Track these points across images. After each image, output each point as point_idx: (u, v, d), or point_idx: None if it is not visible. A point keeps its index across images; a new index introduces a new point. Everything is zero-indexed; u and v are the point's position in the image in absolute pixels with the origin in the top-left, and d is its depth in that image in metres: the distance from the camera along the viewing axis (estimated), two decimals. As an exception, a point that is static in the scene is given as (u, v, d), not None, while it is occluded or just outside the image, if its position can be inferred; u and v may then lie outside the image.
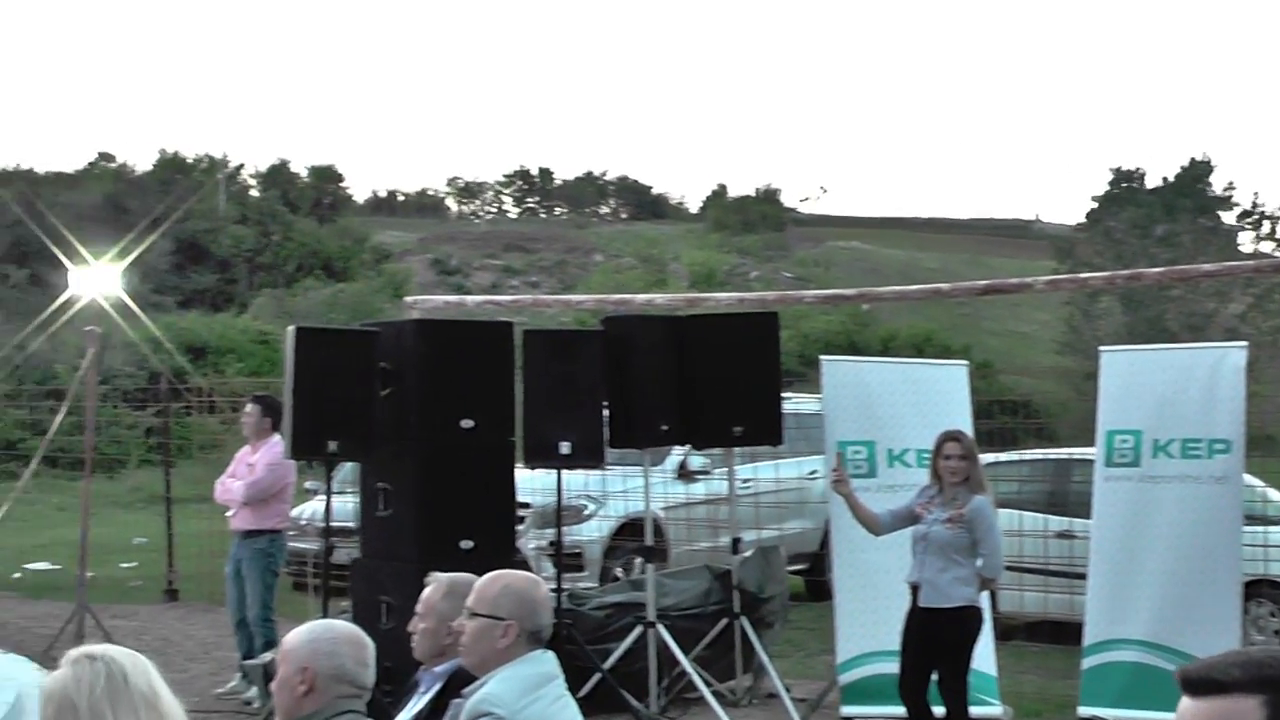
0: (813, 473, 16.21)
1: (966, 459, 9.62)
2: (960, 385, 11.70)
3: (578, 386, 10.61)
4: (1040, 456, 16.03)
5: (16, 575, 19.52)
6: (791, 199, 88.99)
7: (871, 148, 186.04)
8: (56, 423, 16.48)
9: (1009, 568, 12.14)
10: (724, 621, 11.59)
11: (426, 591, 5.77)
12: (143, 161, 74.26)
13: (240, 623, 12.49)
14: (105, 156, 73.40)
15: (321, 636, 4.75)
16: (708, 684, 11.23)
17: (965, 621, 9.62)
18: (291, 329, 10.34)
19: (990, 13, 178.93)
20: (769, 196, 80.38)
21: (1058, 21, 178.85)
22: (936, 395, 11.54)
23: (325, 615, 9.28)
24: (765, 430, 11.52)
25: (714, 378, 11.15)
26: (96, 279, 15.26)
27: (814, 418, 13.37)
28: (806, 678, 12.71)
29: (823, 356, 12.35)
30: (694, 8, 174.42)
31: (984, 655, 10.61)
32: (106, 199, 58.05)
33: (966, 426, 10.70)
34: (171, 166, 66.61)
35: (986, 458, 11.30)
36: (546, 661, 5.23)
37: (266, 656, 11.09)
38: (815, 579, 17.08)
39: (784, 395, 12.06)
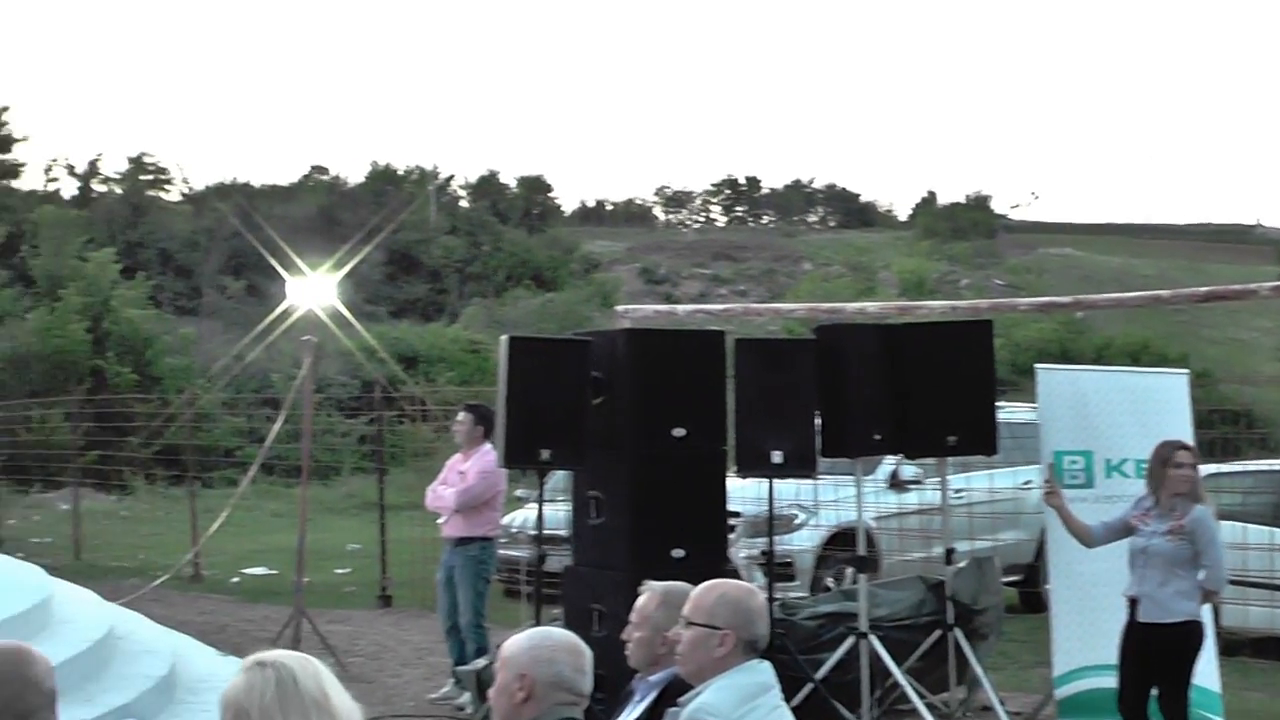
0: (1027, 483, 15.97)
1: (1196, 468, 9.43)
2: (1180, 394, 11.44)
3: (790, 395, 10.53)
4: (1266, 468, 15.65)
5: (235, 579, 19.87)
6: (1002, 205, 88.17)
7: (1084, 153, 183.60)
8: (274, 431, 16.76)
9: (1233, 582, 11.85)
10: (937, 633, 11.43)
11: (641, 600, 5.75)
12: (355, 174, 75.38)
13: (452, 629, 12.59)
14: (319, 170, 74.79)
15: (540, 644, 4.75)
16: (921, 696, 11.08)
17: (1187, 636, 9.39)
18: (505, 338, 10.39)
19: (1208, 9, 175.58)
20: (979, 203, 79.64)
21: (1276, 17, 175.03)
22: (1156, 405, 11.29)
23: (538, 622, 9.31)
24: (980, 440, 11.36)
25: (927, 387, 11.01)
26: (313, 289, 15.49)
27: (1028, 427, 13.17)
28: (1021, 691, 12.52)
29: (1038, 365, 12.17)
30: (904, 14, 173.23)
31: (1206, 671, 10.35)
32: (320, 211, 59.11)
33: (1187, 436, 10.46)
34: (383, 179, 67.63)
35: (1207, 469, 11.05)
36: (763, 671, 5.19)
37: (479, 663, 11.17)
38: (1029, 591, 16.84)
39: (998, 404, 11.88)
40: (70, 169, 62.74)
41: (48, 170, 63.99)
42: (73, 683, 9.40)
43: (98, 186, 60.54)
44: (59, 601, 12.46)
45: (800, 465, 10.83)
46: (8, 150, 63.39)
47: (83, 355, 36.21)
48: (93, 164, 61.36)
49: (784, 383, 10.55)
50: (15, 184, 60.71)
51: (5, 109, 63.42)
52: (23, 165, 63.72)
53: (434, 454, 18.30)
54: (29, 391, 33.73)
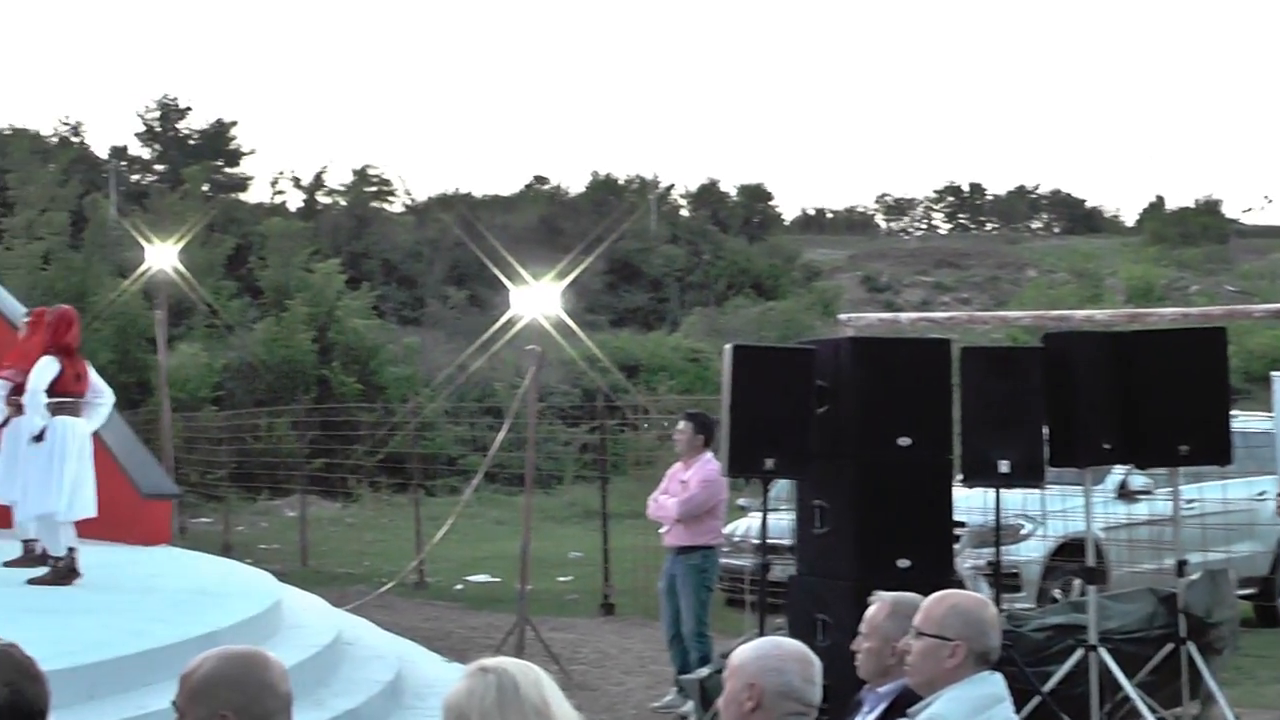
0: (1262, 493, 15.59)
1: None
2: None
3: (1017, 404, 10.38)
4: None
5: (458, 587, 20.08)
6: (1234, 209, 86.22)
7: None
8: (499, 440, 16.90)
9: None
10: (1169, 647, 11.18)
11: (870, 611, 5.70)
12: (575, 184, 75.96)
13: (674, 638, 12.59)
14: (540, 180, 75.51)
15: (769, 653, 4.72)
16: (1152, 710, 10.85)
17: None
18: (729, 347, 10.37)
19: None
20: (1210, 208, 77.92)
21: None
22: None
23: (762, 632, 9.26)
24: (1213, 449, 11.09)
25: (1158, 395, 10.77)
26: (536, 299, 15.60)
27: (1262, 436, 12.88)
28: (1257, 707, 12.21)
29: (1273, 372, 11.87)
30: (1131, 16, 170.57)
31: None
32: (541, 221, 59.62)
33: None
34: (603, 188, 68.07)
35: None
36: (994, 683, 5.14)
37: (702, 671, 11.15)
38: (1265, 604, 16.46)
39: (1232, 413, 11.60)
40: (296, 182, 63.93)
41: (274, 183, 65.54)
42: (303, 687, 9.53)
43: (323, 199, 61.62)
44: (288, 607, 12.70)
45: (1028, 475, 10.68)
46: (236, 164, 64.87)
47: (309, 365, 36.88)
48: (318, 176, 62.45)
49: (1011, 391, 10.40)
50: (243, 197, 62.05)
51: (234, 124, 64.96)
52: (250, 179, 65.25)
53: (655, 462, 18.32)
54: (257, 400, 34.47)
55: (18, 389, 13.35)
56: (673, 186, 74.44)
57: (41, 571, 12.74)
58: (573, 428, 32.25)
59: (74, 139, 64.64)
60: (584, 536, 22.41)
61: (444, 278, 51.47)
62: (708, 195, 73.64)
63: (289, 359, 36.71)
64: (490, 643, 14.41)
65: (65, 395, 12.72)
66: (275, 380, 36.10)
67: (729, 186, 75.88)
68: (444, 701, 3.72)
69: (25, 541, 14.46)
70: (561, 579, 20.37)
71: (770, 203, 77.11)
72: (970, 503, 13.12)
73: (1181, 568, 11.32)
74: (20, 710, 3.49)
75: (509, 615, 15.33)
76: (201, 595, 12.26)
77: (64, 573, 12.49)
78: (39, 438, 12.55)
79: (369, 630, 13.83)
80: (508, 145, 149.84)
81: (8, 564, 14.28)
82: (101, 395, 13.11)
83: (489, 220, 53.53)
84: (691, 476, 12.45)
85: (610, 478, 20.33)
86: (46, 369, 12.64)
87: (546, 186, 73.34)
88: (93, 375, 13.06)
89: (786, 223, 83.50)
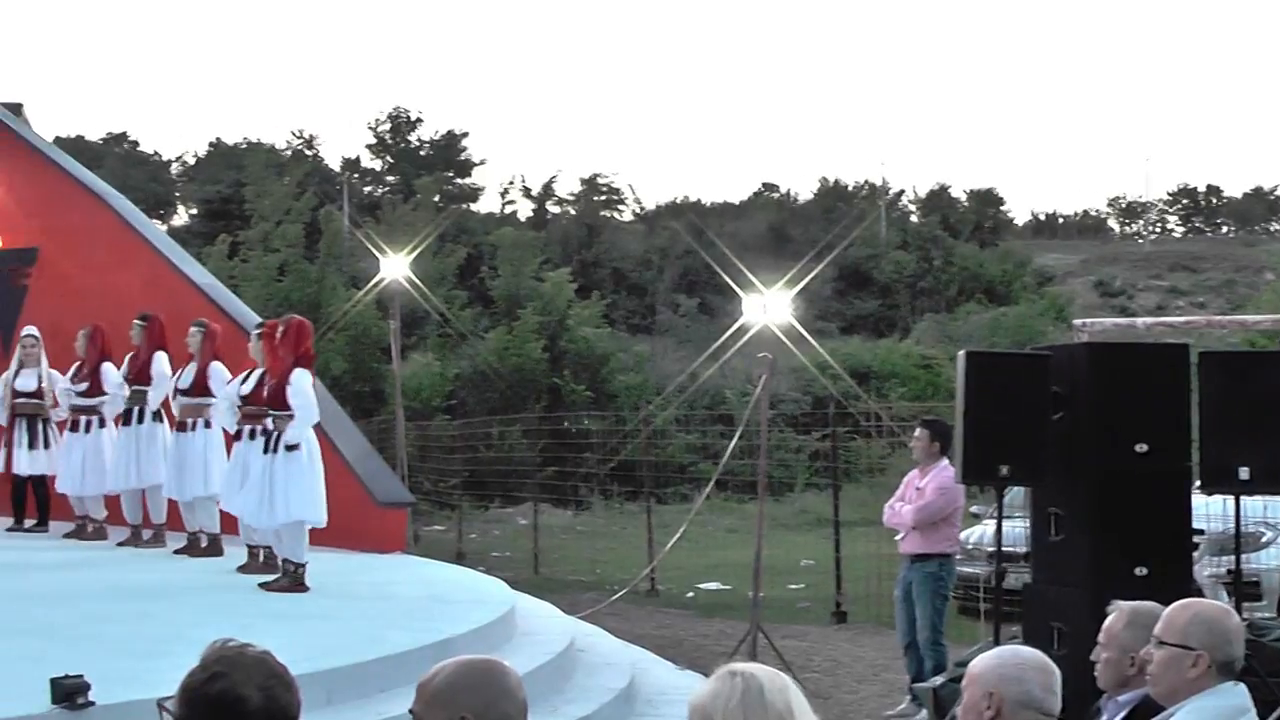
0: None
1: None
2: None
3: (1259, 410, 10.12)
4: None
5: (690, 594, 20.10)
6: None
7: None
8: (730, 447, 16.91)
9: None
10: None
11: (1109, 620, 5.61)
12: (804, 190, 75.82)
13: (909, 646, 12.49)
14: (769, 186, 75.53)
15: (1008, 662, 4.66)
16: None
17: None
18: (963, 353, 10.28)
19: None
20: None
21: None
22: None
23: (997, 641, 9.16)
24: None
25: None
26: (767, 306, 15.58)
27: None
28: None
29: None
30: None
31: None
32: (770, 228, 59.59)
33: None
34: (832, 195, 67.91)
35: None
36: (1238, 694, 5.04)
37: (937, 680, 11.03)
38: None
39: None
40: (526, 191, 64.69)
41: (504, 193, 66.09)
42: (537, 694, 9.59)
43: (552, 208, 62.30)
44: (522, 614, 12.80)
45: (1270, 482, 10.43)
46: (467, 175, 65.77)
47: (540, 373, 37.23)
48: (547, 186, 63.14)
49: (1252, 397, 10.16)
50: (474, 207, 62.92)
51: (464, 135, 65.83)
52: (481, 189, 66.01)
53: (887, 470, 18.22)
54: (489, 409, 34.85)
55: (250, 398, 13.70)
56: (903, 192, 74.14)
57: (272, 577, 13.01)
58: (803, 435, 32.14)
59: (307, 152, 66.12)
60: (815, 544, 22.31)
61: (674, 285, 51.65)
62: (938, 200, 73.12)
63: (520, 368, 37.08)
64: (722, 650, 14.40)
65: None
66: (507, 389, 36.50)
67: (959, 191, 75.34)
68: (689, 702, 3.74)
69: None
70: (793, 586, 20.30)
71: (1001, 208, 76.44)
72: (1209, 510, 12.84)
73: None
74: (273, 715, 3.56)
75: (740, 623, 15.31)
76: (436, 602, 12.39)
77: (298, 580, 12.72)
78: (293, 447, 12.82)
79: (601, 637, 13.89)
80: (737, 152, 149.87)
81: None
82: (306, 408, 13.36)
83: (718, 227, 53.63)
84: (927, 484, 12.36)
85: (842, 485, 20.22)
86: (305, 380, 12.91)
87: (775, 194, 73.32)
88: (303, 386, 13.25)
89: (1018, 227, 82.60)
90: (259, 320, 13.67)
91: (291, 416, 12.83)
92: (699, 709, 3.69)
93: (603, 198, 65.14)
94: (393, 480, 17.53)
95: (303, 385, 12.88)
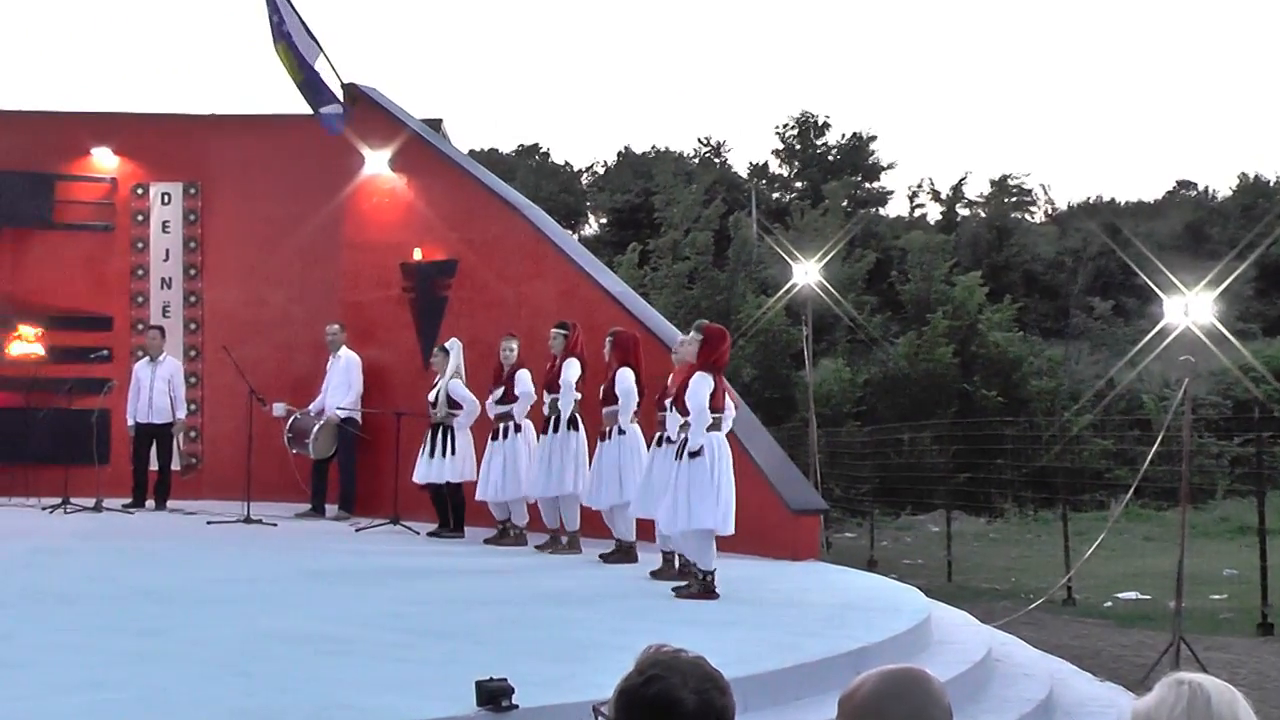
0: None
1: None
2: None
3: None
4: None
5: (1107, 604, 19.65)
6: None
7: None
8: (1150, 453, 16.48)
9: None
10: None
11: None
12: (1222, 187, 73.49)
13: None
14: (1184, 184, 73.30)
15: None
16: None
17: None
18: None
19: None
20: None
21: None
22: None
23: None
24: None
25: None
26: (1188, 308, 15.15)
27: None
28: None
29: None
30: None
31: None
32: (1186, 227, 57.99)
33: None
34: (1252, 191, 65.64)
35: None
36: None
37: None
38: None
39: None
40: (935, 194, 64.11)
41: (913, 196, 65.62)
42: (954, 704, 9.48)
43: (961, 210, 61.56)
44: (937, 623, 12.68)
45: None
46: (875, 179, 65.46)
47: (951, 378, 36.88)
48: (956, 188, 62.39)
49: None
50: (883, 211, 62.60)
51: (873, 138, 65.57)
52: (890, 193, 65.63)
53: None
54: (899, 415, 34.68)
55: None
56: (1335, 187, 71.21)
57: (684, 583, 13.13)
58: (1224, 440, 31.18)
59: (715, 159, 66.71)
60: (1238, 553, 21.63)
61: (1087, 288, 50.59)
62: (1367, 194, 70.08)
63: (931, 373, 36.80)
64: (1142, 661, 14.07)
65: (712, 411, 13.05)
66: (917, 394, 36.27)
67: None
68: (1132, 708, 3.65)
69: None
70: (1215, 597, 19.69)
71: None
72: None
73: None
74: (708, 717, 3.58)
75: (1160, 634, 14.93)
76: (850, 610, 12.34)
77: (707, 587, 12.80)
78: (696, 454, 12.91)
79: (1018, 647, 13.68)
80: (1151, 149, 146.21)
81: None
82: (730, 411, 13.34)
83: (1132, 227, 52.38)
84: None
85: (1266, 492, 19.53)
86: (702, 385, 12.98)
87: (1192, 192, 71.21)
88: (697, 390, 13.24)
89: None
90: (700, 323, 13.69)
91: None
92: (1142, 716, 3.61)
93: (1013, 199, 64.13)
94: (806, 487, 17.57)
95: (699, 391, 12.97)
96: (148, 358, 20.28)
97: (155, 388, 20.00)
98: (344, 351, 20.04)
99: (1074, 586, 19.96)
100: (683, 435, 13.09)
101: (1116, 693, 12.38)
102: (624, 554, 15.32)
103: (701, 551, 12.91)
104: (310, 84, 19.95)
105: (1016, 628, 15.71)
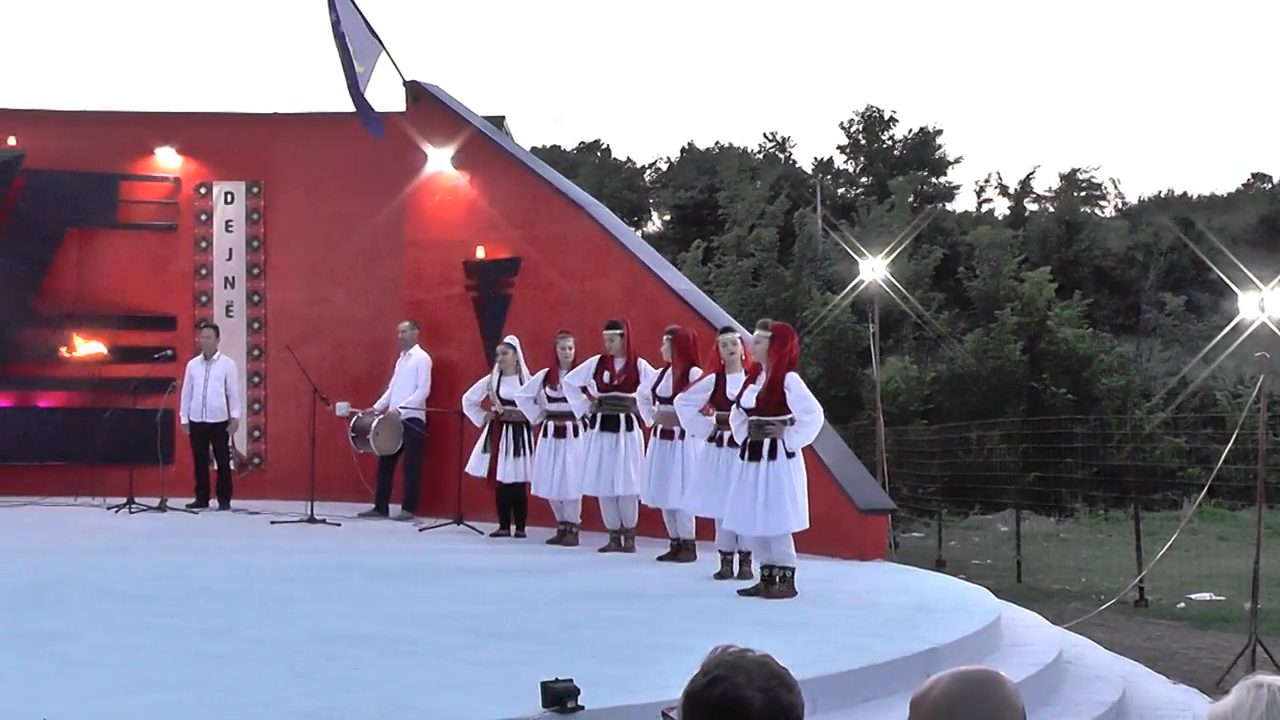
0: None
1: None
2: None
3: None
4: None
5: (1180, 605, 19.42)
6: None
7: None
8: (1225, 452, 16.27)
9: None
10: None
11: None
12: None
13: None
14: (1259, 177, 72.69)
15: None
16: None
17: None
18: None
19: None
20: None
21: None
22: None
23: None
24: None
25: None
26: (1263, 303, 14.95)
27: None
28: None
29: None
30: None
31: None
32: (1261, 220, 57.52)
33: None
34: (1330, 184, 65.13)
35: None
36: None
37: None
38: None
39: None
40: (1003, 189, 63.85)
41: (980, 191, 65.38)
42: (1026, 706, 9.35)
43: (1030, 205, 61.22)
44: (1007, 624, 12.54)
45: None
46: (942, 173, 65.21)
47: (1019, 376, 36.60)
48: (1024, 182, 62.07)
49: None
50: (950, 206, 62.34)
51: (939, 132, 65.33)
52: (957, 188, 65.41)
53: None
54: (967, 413, 34.43)
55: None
56: None
57: (750, 583, 13.04)
58: (1306, 440, 30.83)
59: (780, 155, 66.59)
60: (1315, 554, 21.34)
61: (1159, 283, 50.18)
62: None
63: (999, 370, 36.53)
64: (1216, 664, 13.90)
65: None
66: (986, 392, 36.01)
67: None
68: (1209, 712, 3.59)
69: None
70: (1292, 599, 19.45)
71: None
72: None
73: None
74: (776, 716, 3.49)
75: (1235, 635, 14.73)
76: (919, 611, 12.23)
77: (790, 585, 12.70)
78: (791, 454, 12.84)
79: (1090, 649, 13.51)
80: (1224, 142, 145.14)
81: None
82: (811, 410, 13.08)
83: (1205, 221, 51.95)
84: None
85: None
86: (800, 384, 12.88)
87: (1267, 185, 70.62)
88: (803, 390, 13.08)
89: None
90: (766, 321, 13.58)
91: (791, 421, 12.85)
92: (1219, 718, 3.51)
93: (1082, 193, 63.80)
94: (873, 486, 17.43)
95: (805, 389, 12.90)
96: (201, 356, 20.27)
97: (210, 387, 20.01)
98: (415, 350, 20.04)
99: (1146, 587, 19.73)
100: (745, 434, 12.95)
101: (1191, 695, 12.22)
102: (683, 552, 15.22)
103: (784, 550, 12.79)
104: (352, 88, 19.96)
105: (1088, 629, 15.52)
